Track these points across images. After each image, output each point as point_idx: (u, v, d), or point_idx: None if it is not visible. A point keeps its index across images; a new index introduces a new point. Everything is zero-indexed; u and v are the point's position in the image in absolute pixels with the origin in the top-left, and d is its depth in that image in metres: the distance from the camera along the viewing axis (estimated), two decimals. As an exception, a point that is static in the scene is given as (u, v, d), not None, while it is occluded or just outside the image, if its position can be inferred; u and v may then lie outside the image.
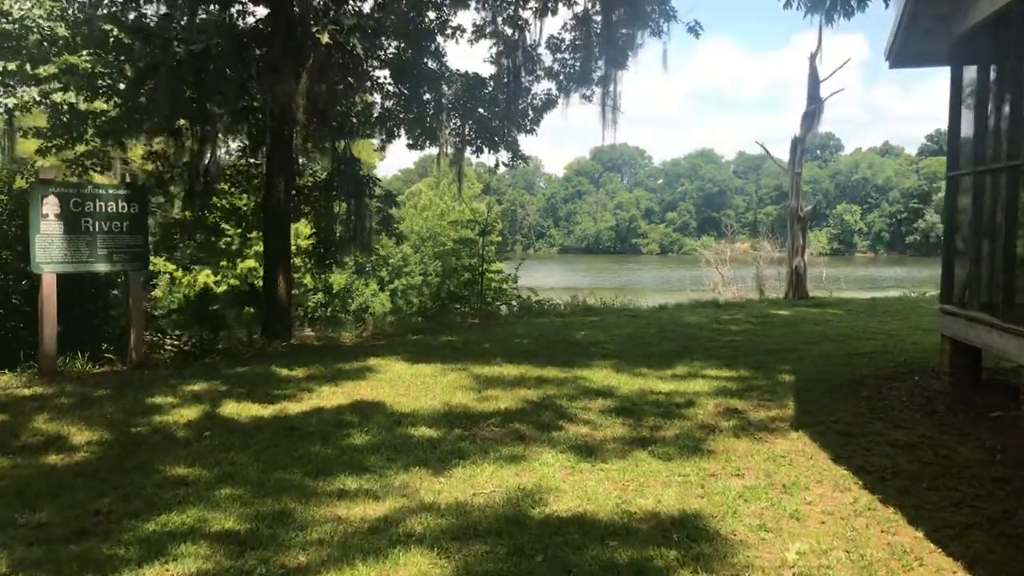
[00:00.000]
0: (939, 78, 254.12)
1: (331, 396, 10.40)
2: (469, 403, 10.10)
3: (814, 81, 20.70)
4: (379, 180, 18.82)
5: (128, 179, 13.77)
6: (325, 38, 13.68)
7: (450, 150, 18.78)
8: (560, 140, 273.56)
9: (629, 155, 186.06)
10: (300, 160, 18.28)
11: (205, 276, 19.86)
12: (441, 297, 18.44)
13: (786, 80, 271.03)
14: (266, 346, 14.67)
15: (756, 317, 17.98)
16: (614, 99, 16.42)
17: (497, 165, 19.18)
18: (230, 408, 9.70)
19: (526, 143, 19.50)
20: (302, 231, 19.75)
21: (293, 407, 9.80)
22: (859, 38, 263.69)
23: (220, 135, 16.66)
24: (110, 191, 12.75)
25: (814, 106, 20.87)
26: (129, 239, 12.73)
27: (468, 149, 19.56)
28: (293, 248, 17.66)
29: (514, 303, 19.39)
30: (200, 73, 13.88)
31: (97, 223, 12.36)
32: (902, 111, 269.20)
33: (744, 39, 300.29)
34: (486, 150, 19.32)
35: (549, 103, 18.60)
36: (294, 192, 17.38)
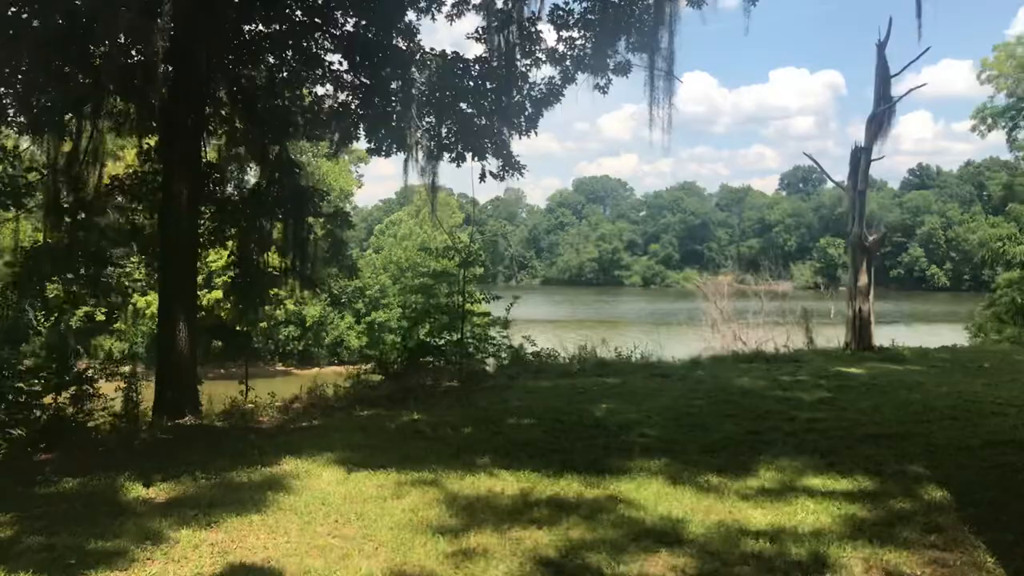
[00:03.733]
0: (914, 115, 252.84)
1: (190, 556, 5.81)
2: (436, 569, 5.58)
3: (883, 76, 16.43)
4: (327, 193, 14.37)
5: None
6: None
7: (422, 156, 14.34)
8: (542, 170, 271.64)
9: (611, 187, 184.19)
10: (226, 168, 13.79)
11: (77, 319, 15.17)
12: (408, 348, 13.88)
13: (761, 114, 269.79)
14: (150, 429, 10.07)
15: (824, 378, 13.56)
16: (669, 60, 11.97)
17: (484, 176, 14.76)
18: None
19: (522, 147, 13.93)
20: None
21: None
22: (835, 74, 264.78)
23: (105, 123, 12.11)
24: None
25: (885, 107, 16.57)
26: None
27: (446, 155, 15.18)
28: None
29: (503, 354, 14.86)
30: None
31: None
32: (879, 146, 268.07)
33: (719, 73, 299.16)
34: (469, 156, 14.94)
35: (551, 94, 14.24)
36: (205, 208, 12.86)
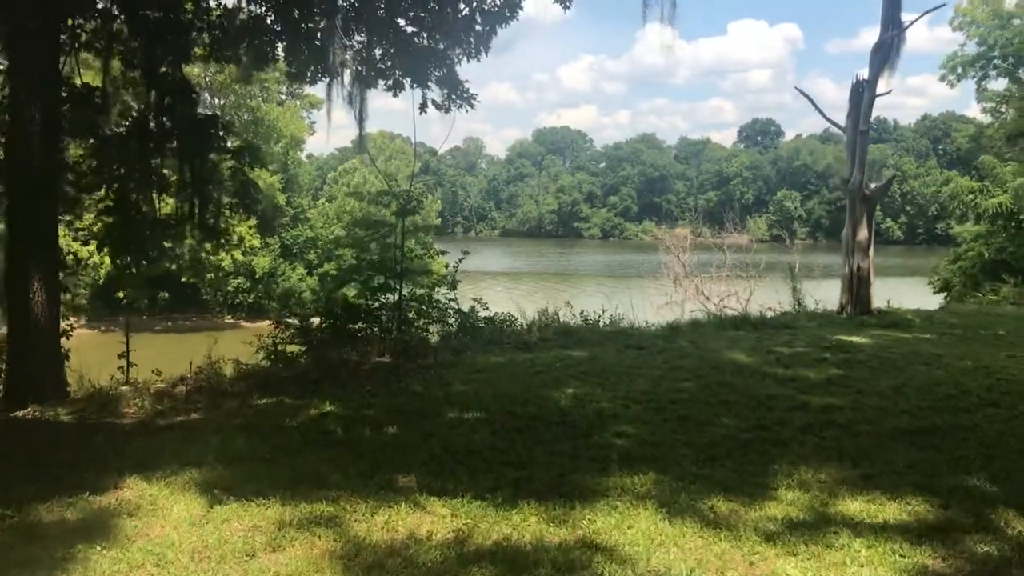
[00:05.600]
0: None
1: None
2: None
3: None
4: (230, 123, 11.84)
5: None
6: None
7: (348, 80, 11.85)
8: (502, 120, 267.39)
9: (571, 138, 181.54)
10: (110, 94, 11.19)
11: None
12: (334, 314, 11.44)
13: (719, 67, 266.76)
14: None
15: (827, 350, 11.43)
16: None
17: (425, 105, 12.29)
18: None
19: (471, 72, 10.99)
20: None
21: None
22: (793, 27, 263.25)
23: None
24: None
25: (894, 33, 14.14)
26: None
27: (381, 83, 12.70)
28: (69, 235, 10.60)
29: (450, 320, 12.53)
30: None
31: None
32: (836, 101, 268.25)
33: (680, 24, 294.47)
34: (407, 83, 12.48)
35: (507, 6, 11.75)
36: (81, 143, 10.31)
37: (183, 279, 57.06)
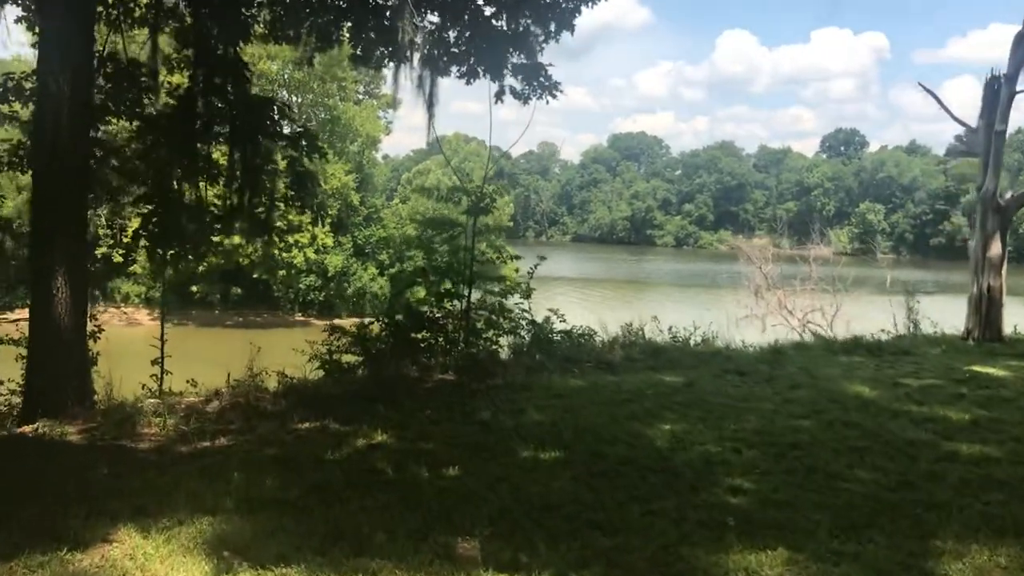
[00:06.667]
0: (962, 79, 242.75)
1: None
2: None
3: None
4: (288, 106, 10.72)
5: None
6: None
7: (418, 62, 10.62)
8: (577, 125, 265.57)
9: (647, 144, 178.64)
10: (155, 70, 10.19)
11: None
12: (394, 324, 10.19)
13: (800, 75, 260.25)
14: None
15: (960, 383, 9.74)
16: None
17: (501, 92, 11.00)
18: None
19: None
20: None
21: None
22: (879, 36, 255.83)
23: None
24: None
25: (1042, 18, 12.43)
26: None
27: (455, 69, 11.46)
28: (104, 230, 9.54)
29: (523, 332, 11.16)
30: None
31: None
32: (922, 111, 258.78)
33: (761, 31, 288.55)
34: (481, 71, 11.23)
35: (598, -19, 10.38)
36: (128, 122, 9.30)
37: (255, 275, 57.52)
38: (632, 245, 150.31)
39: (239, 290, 58.86)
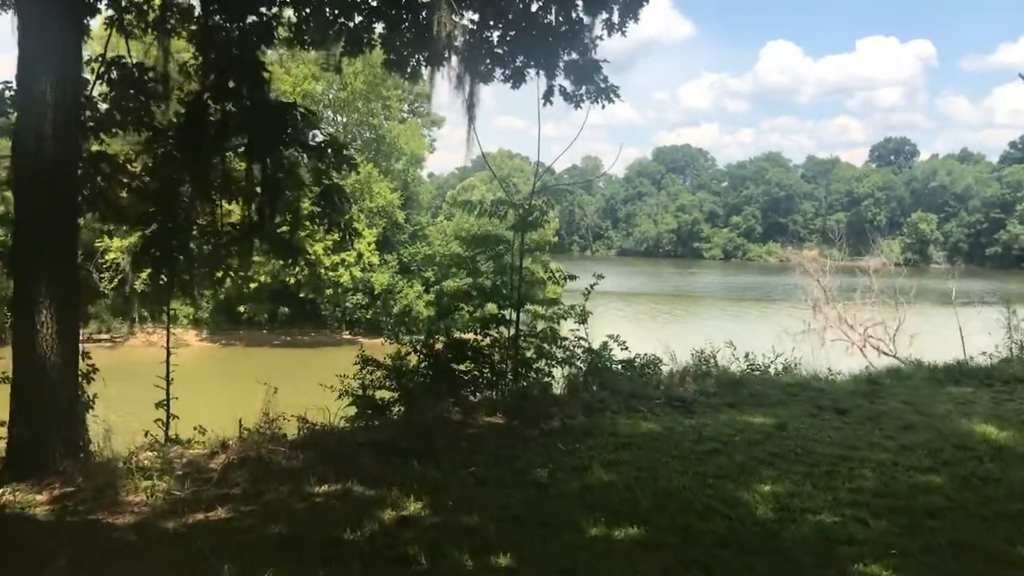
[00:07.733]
0: (1009, 87, 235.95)
1: None
2: None
3: None
4: (313, 113, 9.56)
5: None
6: None
7: (457, 62, 9.40)
8: (621, 139, 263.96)
9: (692, 156, 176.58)
10: (165, 75, 9.15)
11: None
12: (434, 356, 8.94)
13: (846, 85, 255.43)
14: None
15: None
16: None
17: (550, 92, 9.73)
18: None
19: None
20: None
21: None
22: (926, 43, 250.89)
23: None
24: None
25: None
26: None
27: (499, 71, 10.22)
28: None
29: (579, 362, 9.84)
30: None
31: None
32: (971, 119, 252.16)
33: (805, 42, 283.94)
34: (531, 70, 9.98)
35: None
36: (136, 132, 8.23)
37: (301, 295, 57.13)
38: (679, 258, 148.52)
39: (287, 309, 58.66)
